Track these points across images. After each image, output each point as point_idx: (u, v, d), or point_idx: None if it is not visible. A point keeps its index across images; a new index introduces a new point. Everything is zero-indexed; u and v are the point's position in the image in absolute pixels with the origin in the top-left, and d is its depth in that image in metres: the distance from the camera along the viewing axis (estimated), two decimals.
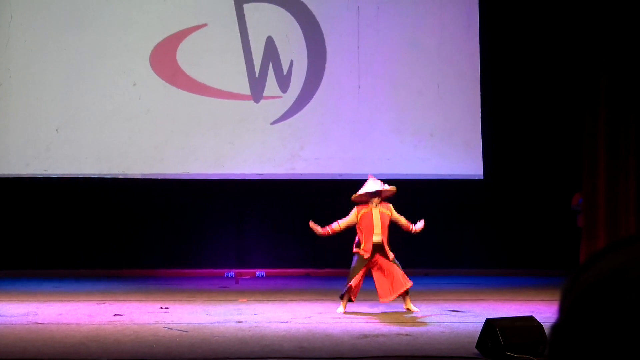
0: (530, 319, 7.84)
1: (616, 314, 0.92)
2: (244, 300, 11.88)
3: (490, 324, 7.52)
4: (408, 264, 15.81)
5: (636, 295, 0.92)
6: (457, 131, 15.73)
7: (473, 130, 15.72)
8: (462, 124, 15.74)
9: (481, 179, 15.74)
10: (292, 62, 15.65)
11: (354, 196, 11.15)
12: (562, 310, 1.00)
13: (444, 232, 16.03)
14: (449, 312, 10.60)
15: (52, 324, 9.63)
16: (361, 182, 15.67)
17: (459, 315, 10.31)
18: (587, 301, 0.96)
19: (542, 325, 7.64)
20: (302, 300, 11.91)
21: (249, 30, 15.64)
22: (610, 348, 0.91)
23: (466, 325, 9.34)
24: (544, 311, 10.27)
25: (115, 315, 10.33)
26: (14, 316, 10.18)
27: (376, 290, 10.90)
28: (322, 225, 11.31)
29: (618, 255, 0.99)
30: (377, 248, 10.85)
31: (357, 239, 11.03)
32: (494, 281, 14.66)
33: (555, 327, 1.00)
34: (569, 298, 0.99)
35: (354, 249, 10.98)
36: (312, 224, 11.24)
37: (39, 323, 9.63)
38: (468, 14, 15.86)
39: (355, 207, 11.10)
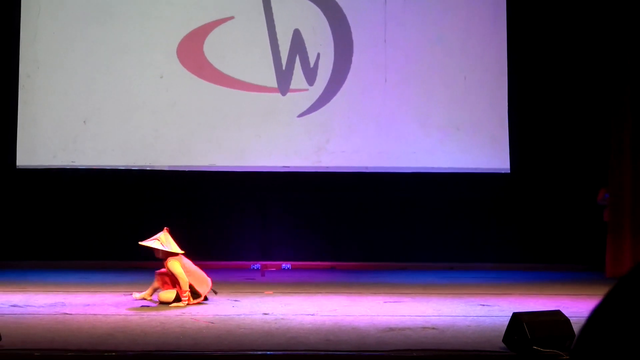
0: (557, 313, 7.82)
1: None
2: (270, 292, 11.90)
3: (517, 318, 7.50)
4: (433, 257, 15.83)
5: None
6: (483, 125, 15.69)
7: (500, 124, 15.68)
8: (489, 117, 15.70)
9: (508, 173, 15.70)
10: (318, 54, 15.66)
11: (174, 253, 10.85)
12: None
13: (470, 225, 15.99)
14: (475, 306, 10.57)
15: (80, 314, 9.68)
16: (387, 176, 15.69)
17: (485, 310, 10.28)
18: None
19: (568, 320, 7.61)
20: (328, 293, 11.90)
21: (276, 23, 15.66)
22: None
23: (492, 320, 9.31)
24: (570, 306, 10.24)
25: (142, 306, 10.38)
26: (42, 307, 10.25)
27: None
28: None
29: None
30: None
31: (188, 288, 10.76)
32: (520, 275, 14.60)
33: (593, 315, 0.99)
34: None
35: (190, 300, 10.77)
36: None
37: (67, 314, 9.68)
38: (495, 6, 15.81)
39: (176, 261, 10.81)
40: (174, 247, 10.70)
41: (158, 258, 10.79)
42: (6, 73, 15.68)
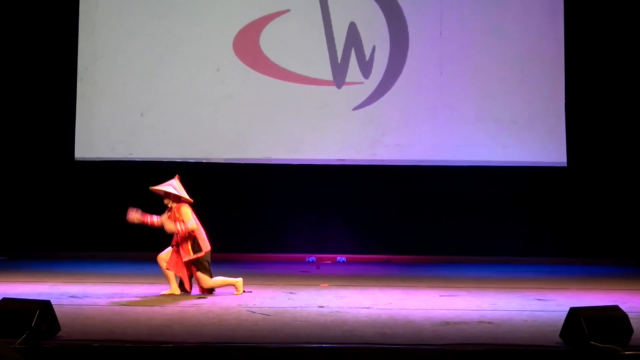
0: (615, 308, 7.75)
1: None
2: (326, 285, 11.91)
3: (574, 313, 7.44)
4: (489, 251, 15.75)
5: None
6: (540, 118, 15.58)
7: (557, 117, 15.55)
8: (546, 110, 15.58)
9: (564, 167, 15.57)
10: (374, 47, 15.64)
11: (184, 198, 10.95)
12: None
13: (526, 219, 15.88)
14: (531, 301, 10.50)
15: (137, 305, 9.77)
16: (443, 169, 15.64)
17: (542, 304, 10.21)
18: None
19: (626, 315, 7.54)
20: (383, 286, 11.89)
21: (332, 16, 15.67)
22: None
23: (549, 314, 9.25)
24: (628, 301, 10.13)
25: (199, 297, 10.46)
26: (100, 298, 10.36)
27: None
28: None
29: None
30: None
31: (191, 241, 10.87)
32: (577, 270, 14.48)
33: None
34: None
35: (195, 255, 10.84)
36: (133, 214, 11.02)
37: (124, 305, 9.78)
38: None
39: (187, 207, 10.93)
40: (185, 194, 10.93)
41: (165, 205, 10.95)
42: (65, 66, 15.85)
